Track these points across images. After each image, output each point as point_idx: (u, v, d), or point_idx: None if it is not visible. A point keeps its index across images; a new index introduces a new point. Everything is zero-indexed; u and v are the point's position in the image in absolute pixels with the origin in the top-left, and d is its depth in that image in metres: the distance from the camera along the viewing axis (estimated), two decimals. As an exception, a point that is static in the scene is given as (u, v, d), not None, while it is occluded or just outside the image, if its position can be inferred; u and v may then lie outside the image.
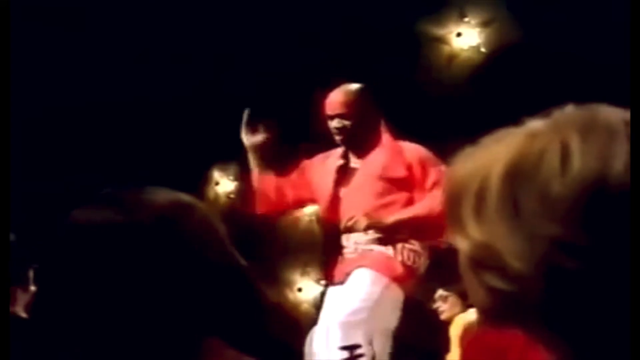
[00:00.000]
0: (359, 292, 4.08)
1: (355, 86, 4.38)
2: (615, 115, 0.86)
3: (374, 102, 4.39)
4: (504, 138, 0.89)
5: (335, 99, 4.34)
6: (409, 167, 4.24)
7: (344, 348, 3.90)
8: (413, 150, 4.30)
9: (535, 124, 0.88)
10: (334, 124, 4.29)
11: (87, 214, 1.21)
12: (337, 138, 4.32)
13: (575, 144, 0.83)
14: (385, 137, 4.36)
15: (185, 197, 1.27)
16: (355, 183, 4.32)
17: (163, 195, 1.25)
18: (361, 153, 4.35)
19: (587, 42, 5.95)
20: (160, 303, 1.16)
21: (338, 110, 4.28)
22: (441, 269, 3.71)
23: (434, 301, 6.32)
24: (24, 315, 3.12)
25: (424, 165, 4.20)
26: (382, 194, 4.24)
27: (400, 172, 4.24)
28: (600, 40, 5.81)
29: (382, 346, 4.06)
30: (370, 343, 3.95)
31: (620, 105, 0.90)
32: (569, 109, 0.89)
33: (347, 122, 4.27)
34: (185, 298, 1.18)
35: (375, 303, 4.04)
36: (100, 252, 1.17)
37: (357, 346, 3.91)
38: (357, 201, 4.26)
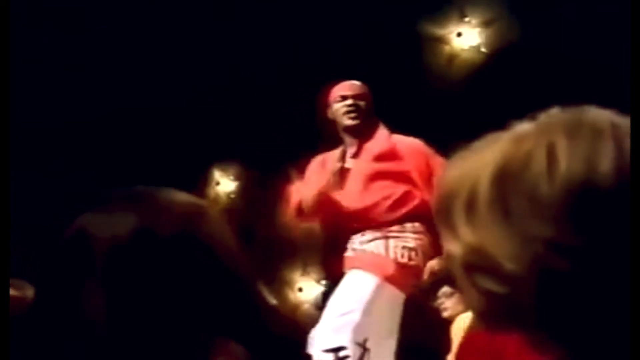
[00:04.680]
0: (349, 294, 4.07)
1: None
2: (600, 116, 0.87)
3: (373, 103, 4.44)
4: (492, 142, 0.90)
5: (350, 83, 4.44)
6: (404, 161, 4.24)
7: (329, 351, 3.86)
8: (409, 144, 4.32)
9: (521, 127, 0.90)
10: (348, 102, 4.34)
11: (100, 216, 1.20)
12: (350, 118, 4.34)
13: (561, 146, 0.84)
14: (380, 133, 4.38)
15: (199, 200, 1.27)
16: (349, 184, 4.31)
17: (179, 198, 1.25)
18: (357, 150, 4.35)
19: (587, 42, 5.95)
20: (174, 304, 1.17)
21: (355, 91, 4.38)
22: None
23: (437, 298, 6.29)
24: (24, 316, 3.11)
25: (425, 158, 4.22)
26: (375, 191, 4.23)
27: (393, 167, 4.25)
28: (600, 40, 5.81)
29: (381, 346, 4.03)
30: (363, 344, 3.90)
31: (620, 105, 0.90)
32: (554, 112, 0.90)
33: (362, 103, 4.35)
34: (198, 299, 1.18)
35: (366, 304, 4.00)
36: (116, 255, 1.16)
37: (342, 348, 3.87)
38: (350, 202, 4.25)
